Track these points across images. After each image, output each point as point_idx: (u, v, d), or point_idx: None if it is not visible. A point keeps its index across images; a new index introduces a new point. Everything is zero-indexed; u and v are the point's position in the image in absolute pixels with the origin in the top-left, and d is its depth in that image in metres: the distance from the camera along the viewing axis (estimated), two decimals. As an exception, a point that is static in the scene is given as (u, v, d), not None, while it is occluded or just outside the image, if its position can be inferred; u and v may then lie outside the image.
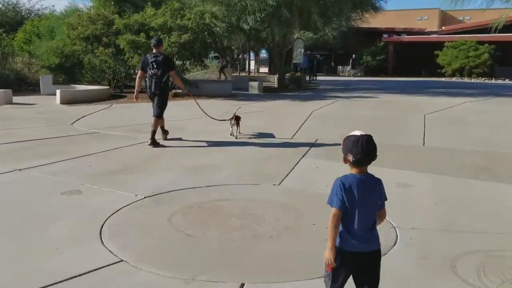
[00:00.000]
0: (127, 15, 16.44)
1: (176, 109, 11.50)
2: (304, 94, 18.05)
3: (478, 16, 46.29)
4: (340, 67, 42.58)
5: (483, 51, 32.09)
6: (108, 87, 16.94)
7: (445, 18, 47.65)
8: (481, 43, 32.60)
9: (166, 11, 15.75)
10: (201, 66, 16.40)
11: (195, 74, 24.54)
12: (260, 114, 11.90)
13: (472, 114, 11.89)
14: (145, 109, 10.35)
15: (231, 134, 8.59)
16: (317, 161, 6.83)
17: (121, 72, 17.31)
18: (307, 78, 26.73)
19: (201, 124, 9.89)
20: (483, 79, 31.74)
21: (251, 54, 32.48)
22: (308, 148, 7.71)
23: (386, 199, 2.37)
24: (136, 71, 12.74)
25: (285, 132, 9.27)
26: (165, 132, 8.15)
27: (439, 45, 35.06)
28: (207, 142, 8.23)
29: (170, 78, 7.92)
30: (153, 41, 7.78)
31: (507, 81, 30.09)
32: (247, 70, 32.53)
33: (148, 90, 7.63)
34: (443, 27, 41.44)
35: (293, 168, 6.39)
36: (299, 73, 23.07)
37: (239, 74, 32.34)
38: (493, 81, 30.72)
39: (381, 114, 11.73)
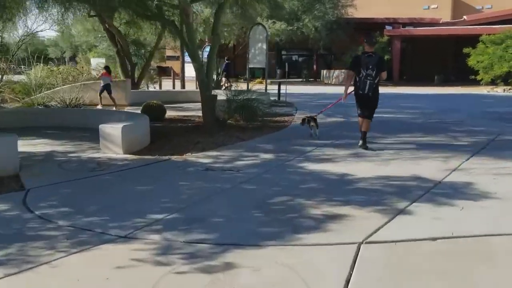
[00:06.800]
0: None
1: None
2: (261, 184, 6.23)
3: (499, 4, 35.84)
4: (325, 71, 31.05)
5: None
6: None
7: (458, 6, 36.67)
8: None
9: None
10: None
11: (54, 90, 12.46)
12: None
13: None
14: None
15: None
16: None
17: None
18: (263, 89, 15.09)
19: None
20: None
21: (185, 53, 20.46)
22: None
23: None
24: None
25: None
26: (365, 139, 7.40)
27: (468, 40, 23.85)
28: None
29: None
30: (367, 39, 7.32)
31: None
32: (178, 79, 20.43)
33: (360, 92, 7.18)
34: (465, 17, 30.32)
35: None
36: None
37: (160, 87, 19.99)
38: None
39: None
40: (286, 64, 18.09)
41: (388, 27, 27.75)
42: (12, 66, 19.26)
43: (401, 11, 32.14)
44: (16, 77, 16.43)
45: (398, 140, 8.08)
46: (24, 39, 19.93)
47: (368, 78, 7.08)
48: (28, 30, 20.41)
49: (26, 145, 7.41)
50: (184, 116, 11.11)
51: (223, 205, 4.45)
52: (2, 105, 12.58)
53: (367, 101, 7.26)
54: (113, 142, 6.78)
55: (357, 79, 7.23)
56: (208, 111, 9.04)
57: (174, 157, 6.62)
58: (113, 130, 6.78)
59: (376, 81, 7.13)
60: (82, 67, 17.28)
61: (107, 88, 12.49)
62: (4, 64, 16.39)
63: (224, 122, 9.24)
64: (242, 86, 15.67)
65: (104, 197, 4.72)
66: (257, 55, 14.60)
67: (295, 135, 8.69)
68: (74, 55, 44.85)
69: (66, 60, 45.89)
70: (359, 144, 7.27)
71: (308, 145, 7.58)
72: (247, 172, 5.73)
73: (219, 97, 9.65)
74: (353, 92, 7.40)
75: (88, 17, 13.86)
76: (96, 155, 6.70)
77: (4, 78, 16.31)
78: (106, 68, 13.32)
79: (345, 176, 5.56)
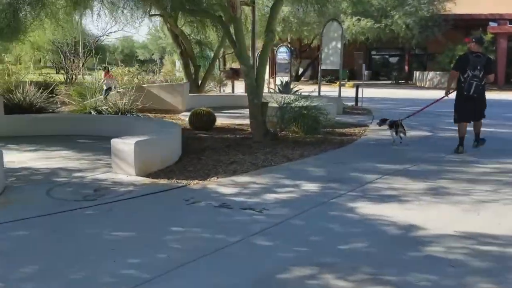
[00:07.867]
0: None
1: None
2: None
3: None
4: (418, 73, 28.23)
5: None
6: None
7: None
8: None
9: None
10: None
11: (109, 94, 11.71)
12: None
13: None
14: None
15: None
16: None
17: None
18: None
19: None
20: None
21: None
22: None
23: None
24: None
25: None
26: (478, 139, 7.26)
27: None
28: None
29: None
30: (475, 38, 7.05)
31: None
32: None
33: (465, 93, 6.91)
34: None
35: None
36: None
37: (232, 90, 18.50)
38: None
39: None
40: (363, 65, 16.03)
41: (492, 24, 24.34)
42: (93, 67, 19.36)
43: (508, 6, 28.26)
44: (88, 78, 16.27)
45: (497, 168, 6.04)
46: (97, 41, 20.00)
47: (475, 79, 6.81)
48: (102, 32, 20.48)
49: (41, 159, 6.51)
50: (238, 125, 9.77)
51: (208, 278, 2.97)
52: (59, 108, 12.17)
53: (471, 104, 6.99)
54: (124, 161, 5.58)
55: (462, 79, 6.94)
56: (256, 122, 7.59)
57: (193, 183, 5.26)
58: (124, 146, 5.58)
59: (482, 83, 6.88)
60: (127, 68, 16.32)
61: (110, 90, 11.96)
62: (73, 65, 16.31)
63: (275, 135, 7.74)
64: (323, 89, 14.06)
65: (57, 251, 3.43)
66: (331, 55, 12.88)
67: (361, 154, 6.97)
68: (162, 57, 45.93)
69: (157, 62, 47.20)
70: (473, 145, 7.15)
71: (373, 170, 5.83)
72: (272, 213, 4.20)
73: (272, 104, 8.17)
74: (453, 95, 7.18)
75: (149, 16, 13.09)
76: (103, 176, 5.55)
77: (76, 79, 16.22)
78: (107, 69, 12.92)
79: (411, 230, 3.81)
